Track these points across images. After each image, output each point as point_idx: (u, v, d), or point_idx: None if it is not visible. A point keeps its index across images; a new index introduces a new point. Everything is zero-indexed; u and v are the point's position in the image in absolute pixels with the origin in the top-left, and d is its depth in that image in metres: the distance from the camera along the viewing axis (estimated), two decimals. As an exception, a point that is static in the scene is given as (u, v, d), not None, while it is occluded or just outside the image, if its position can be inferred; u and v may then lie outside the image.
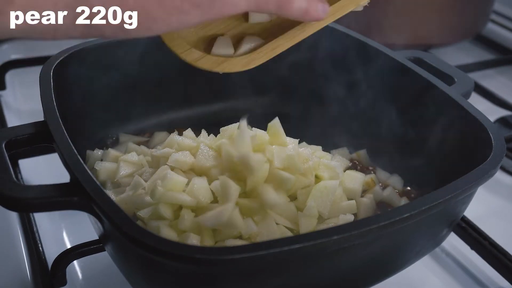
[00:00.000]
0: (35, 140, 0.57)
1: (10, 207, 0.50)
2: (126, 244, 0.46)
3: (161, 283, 0.50)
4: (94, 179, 0.49)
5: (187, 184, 0.58)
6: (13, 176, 0.51)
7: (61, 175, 0.54)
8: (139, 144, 0.73)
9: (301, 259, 0.48)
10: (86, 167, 0.51)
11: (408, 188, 0.72)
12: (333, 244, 0.46)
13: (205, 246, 0.54)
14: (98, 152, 0.70)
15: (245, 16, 0.60)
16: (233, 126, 0.63)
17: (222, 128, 0.64)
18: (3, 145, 0.54)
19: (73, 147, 0.53)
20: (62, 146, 0.54)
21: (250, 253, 0.44)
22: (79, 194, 0.49)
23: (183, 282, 0.49)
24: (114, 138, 0.76)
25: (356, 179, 0.67)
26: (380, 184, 0.71)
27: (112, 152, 0.69)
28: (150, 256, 0.45)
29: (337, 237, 0.46)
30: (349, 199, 0.65)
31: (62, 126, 0.56)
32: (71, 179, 0.52)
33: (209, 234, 0.56)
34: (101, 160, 0.69)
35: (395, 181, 0.72)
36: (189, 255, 0.43)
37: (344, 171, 0.68)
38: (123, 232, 0.45)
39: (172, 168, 0.60)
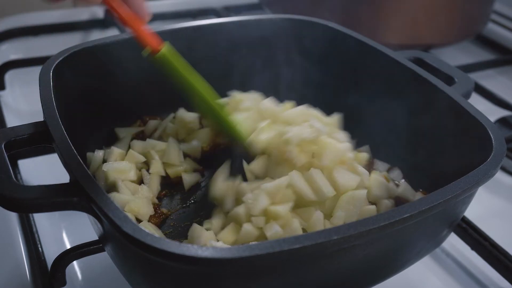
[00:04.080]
0: (34, 140, 0.57)
1: (9, 207, 0.50)
2: (126, 244, 0.46)
3: (161, 283, 0.50)
4: (94, 179, 0.49)
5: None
6: (13, 176, 0.51)
7: (61, 175, 0.54)
8: (136, 135, 0.73)
9: (301, 259, 0.48)
10: (86, 167, 0.51)
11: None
12: (333, 245, 0.46)
13: (205, 245, 0.53)
14: (99, 153, 0.70)
15: None
16: (242, 95, 0.62)
17: (232, 93, 0.63)
18: (3, 145, 0.54)
19: (73, 147, 0.53)
20: (62, 146, 0.53)
21: (250, 253, 0.44)
22: (78, 194, 0.49)
23: (183, 282, 0.49)
24: (114, 138, 0.76)
25: (382, 185, 0.67)
26: (396, 182, 0.71)
27: (115, 150, 0.69)
28: (150, 256, 0.44)
29: (337, 237, 0.46)
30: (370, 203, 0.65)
31: (62, 126, 0.56)
32: (70, 180, 0.52)
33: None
34: (104, 160, 0.68)
35: (395, 172, 0.72)
36: (189, 255, 0.43)
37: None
38: (123, 232, 0.45)
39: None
